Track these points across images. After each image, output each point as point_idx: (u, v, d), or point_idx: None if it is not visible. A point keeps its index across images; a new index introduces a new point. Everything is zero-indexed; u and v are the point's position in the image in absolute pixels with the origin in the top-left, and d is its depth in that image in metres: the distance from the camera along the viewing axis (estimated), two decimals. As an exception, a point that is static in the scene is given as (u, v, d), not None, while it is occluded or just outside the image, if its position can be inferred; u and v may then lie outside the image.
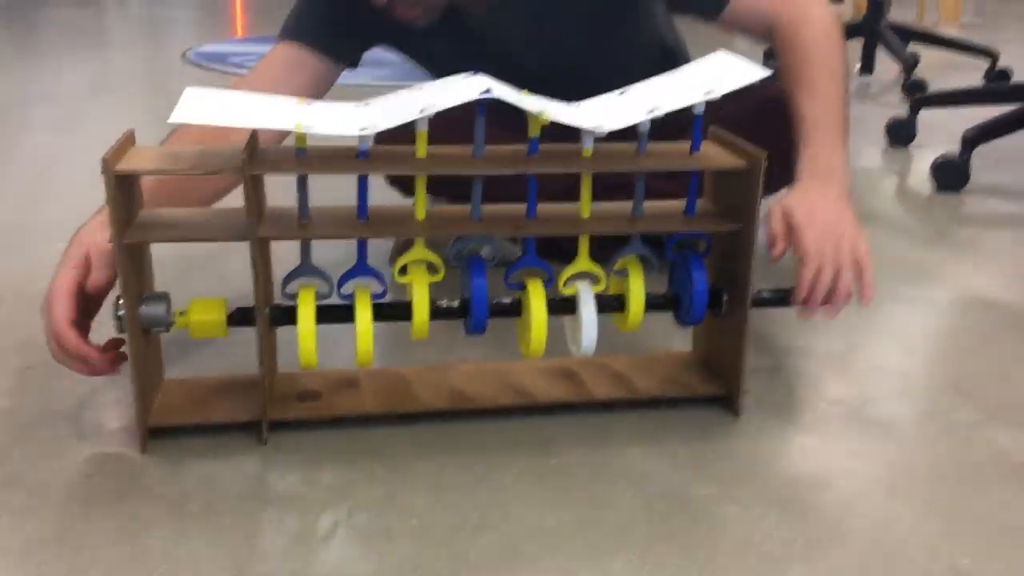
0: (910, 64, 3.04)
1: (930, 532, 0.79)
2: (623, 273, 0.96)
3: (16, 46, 3.74)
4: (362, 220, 0.89)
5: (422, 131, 0.86)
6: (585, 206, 0.92)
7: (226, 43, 3.96)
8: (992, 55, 3.18)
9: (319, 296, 0.90)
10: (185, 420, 0.92)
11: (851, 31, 3.36)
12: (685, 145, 0.93)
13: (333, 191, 0.93)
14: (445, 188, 1.23)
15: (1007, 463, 0.89)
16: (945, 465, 0.89)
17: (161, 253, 0.96)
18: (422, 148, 0.87)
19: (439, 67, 0.88)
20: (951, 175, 1.86)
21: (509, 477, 0.86)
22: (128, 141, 0.87)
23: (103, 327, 0.93)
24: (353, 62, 1.23)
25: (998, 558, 0.76)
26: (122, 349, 0.92)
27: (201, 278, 1.30)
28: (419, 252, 0.91)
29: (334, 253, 1.07)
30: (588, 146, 0.89)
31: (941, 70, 3.43)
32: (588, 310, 0.93)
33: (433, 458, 0.88)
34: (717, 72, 0.92)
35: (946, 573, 0.74)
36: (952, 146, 1.90)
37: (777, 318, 1.12)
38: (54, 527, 0.78)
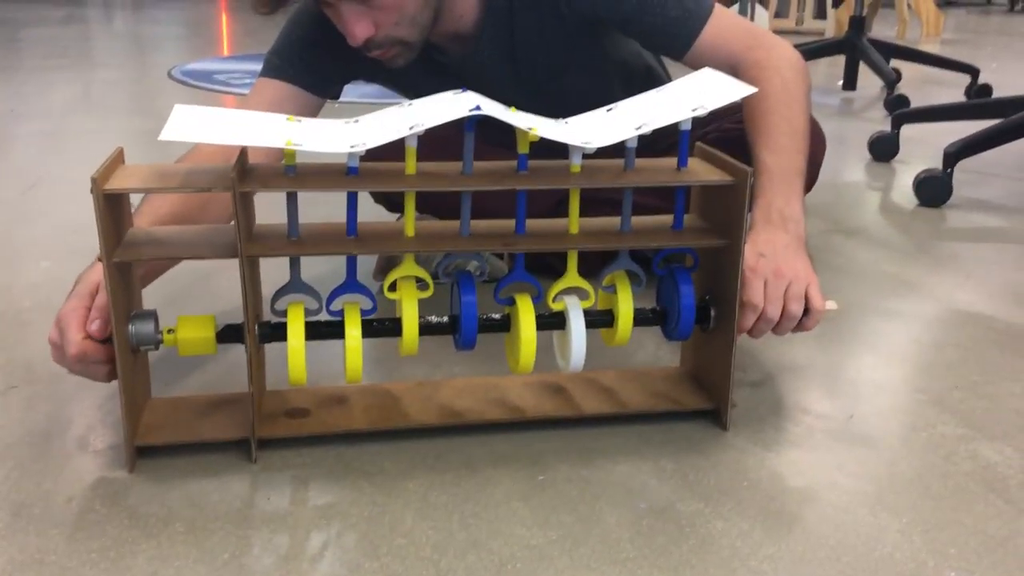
0: (892, 80, 3.07)
1: (916, 546, 0.79)
2: (611, 288, 0.96)
3: (1, 64, 3.73)
4: (351, 237, 0.89)
5: (411, 148, 0.86)
6: (573, 222, 0.92)
7: (212, 61, 3.96)
8: (973, 71, 3.22)
9: (308, 313, 0.90)
10: (172, 439, 0.91)
11: (833, 48, 3.40)
12: (672, 161, 0.94)
13: (322, 207, 0.93)
14: (432, 204, 1.24)
15: (992, 476, 0.90)
16: (931, 478, 0.90)
17: (149, 271, 0.96)
18: (411, 165, 0.87)
19: (419, 96, 0.90)
20: (934, 190, 1.88)
21: (498, 494, 0.86)
22: (117, 159, 0.87)
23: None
24: (335, 95, 1.27)
25: (985, 571, 0.76)
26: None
27: (190, 295, 1.30)
28: (408, 268, 0.92)
29: (323, 269, 1.07)
30: (576, 162, 0.90)
31: (923, 86, 3.47)
32: (577, 325, 0.93)
33: (421, 475, 0.88)
34: (704, 88, 0.93)
35: (934, 586, 0.75)
36: (934, 161, 1.92)
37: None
38: (37, 549, 0.77)
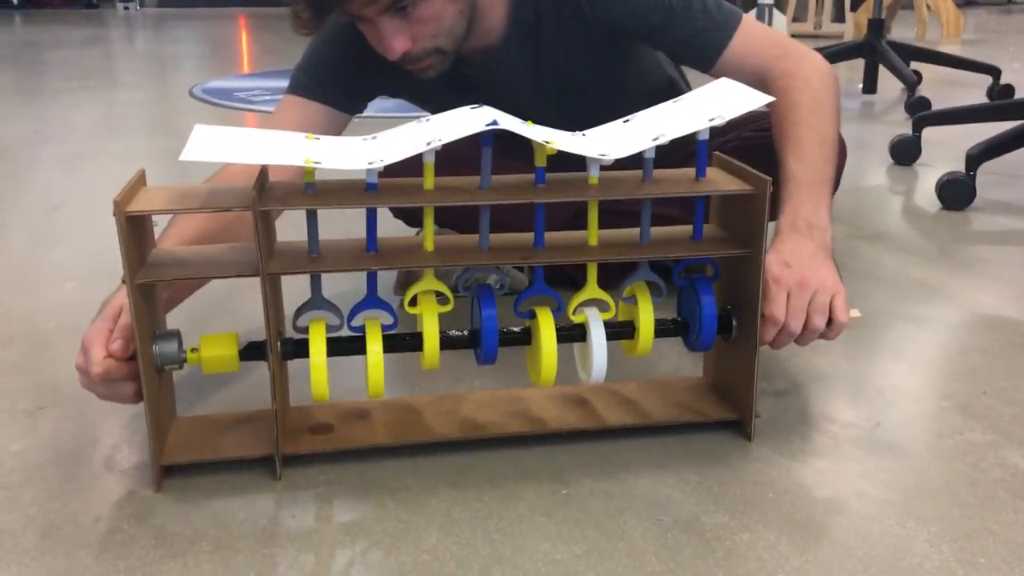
0: (912, 82, 3.05)
1: (945, 555, 0.78)
2: (631, 300, 0.96)
3: (25, 86, 3.78)
4: (371, 252, 0.89)
5: (429, 163, 0.87)
6: (592, 234, 0.92)
7: (232, 79, 4.00)
8: (995, 71, 3.19)
9: (330, 329, 0.90)
10: (198, 457, 0.92)
11: (852, 51, 3.38)
12: (691, 171, 0.94)
13: (342, 223, 0.94)
14: (451, 219, 1.25)
15: (1022, 483, 0.89)
16: (959, 486, 0.89)
17: (172, 290, 0.97)
18: (430, 180, 0.88)
19: (443, 110, 0.90)
20: (957, 193, 1.86)
21: (521, 508, 0.86)
22: (139, 182, 0.87)
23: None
24: (360, 111, 1.28)
25: (1016, 580, 0.75)
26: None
27: (212, 313, 1.31)
28: (429, 283, 0.92)
29: (344, 285, 1.08)
30: (594, 174, 0.90)
31: (944, 87, 3.44)
32: (598, 337, 0.93)
33: (444, 491, 0.88)
34: (721, 98, 0.93)
35: (964, 596, 0.74)
36: (957, 164, 1.91)
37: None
38: (65, 569, 0.78)
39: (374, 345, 0.89)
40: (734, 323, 0.96)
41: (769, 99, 0.92)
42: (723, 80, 0.97)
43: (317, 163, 0.83)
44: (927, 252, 1.60)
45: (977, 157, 1.87)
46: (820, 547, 0.80)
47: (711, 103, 0.92)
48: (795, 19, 5.28)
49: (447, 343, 0.93)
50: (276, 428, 0.90)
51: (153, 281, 0.86)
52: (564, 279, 1.13)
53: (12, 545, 0.81)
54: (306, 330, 0.90)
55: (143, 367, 0.86)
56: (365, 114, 1.30)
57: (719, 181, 0.93)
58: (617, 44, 1.23)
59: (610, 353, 0.93)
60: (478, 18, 1.14)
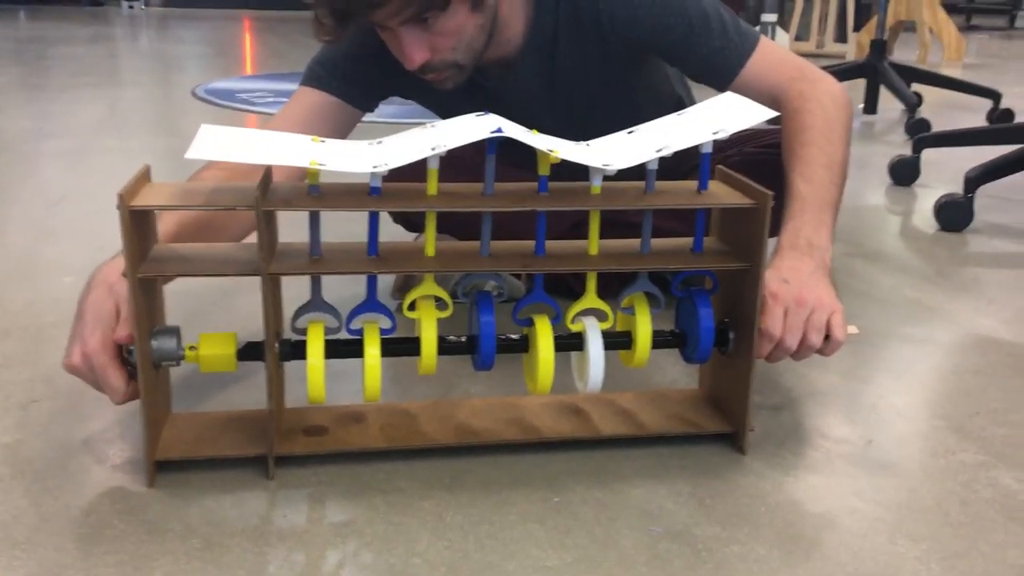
0: (913, 104, 3.07)
1: (935, 573, 0.79)
2: (630, 310, 0.97)
3: (29, 82, 3.79)
4: (372, 256, 0.90)
5: (433, 169, 0.87)
6: (593, 243, 0.93)
7: (235, 80, 4.00)
8: (995, 95, 3.21)
9: (328, 331, 0.91)
10: (192, 454, 0.92)
11: (854, 71, 3.40)
12: (693, 184, 0.94)
13: (343, 226, 0.94)
14: (451, 225, 1.25)
15: (1013, 504, 0.89)
16: (950, 506, 0.89)
17: (172, 287, 0.97)
18: (433, 186, 0.88)
19: (454, 116, 0.91)
20: (955, 215, 1.87)
21: (513, 515, 0.86)
22: (143, 177, 0.88)
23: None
24: (371, 109, 1.28)
25: (1006, 600, 0.76)
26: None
27: (210, 311, 1.31)
28: (428, 288, 0.92)
29: (344, 287, 1.08)
30: (597, 184, 0.90)
31: (944, 110, 3.46)
32: (595, 346, 0.93)
33: (437, 495, 0.88)
34: (726, 112, 0.93)
35: (953, 615, 0.74)
36: (956, 186, 1.91)
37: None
38: (55, 562, 0.78)
39: (372, 348, 0.90)
40: (731, 336, 0.97)
41: (773, 114, 0.93)
42: (728, 94, 0.97)
43: (322, 165, 0.83)
44: (924, 272, 1.61)
45: (976, 179, 1.88)
46: (811, 562, 0.80)
47: (715, 116, 0.93)
48: (798, 38, 5.31)
49: (445, 348, 0.93)
50: (271, 429, 0.90)
51: (155, 276, 0.86)
52: (563, 288, 1.14)
53: (3, 537, 0.81)
54: (304, 331, 0.90)
55: (140, 362, 0.86)
56: (369, 119, 1.31)
57: (721, 194, 0.93)
58: (632, 60, 1.24)
59: (607, 363, 0.94)
60: (498, 31, 1.15)
